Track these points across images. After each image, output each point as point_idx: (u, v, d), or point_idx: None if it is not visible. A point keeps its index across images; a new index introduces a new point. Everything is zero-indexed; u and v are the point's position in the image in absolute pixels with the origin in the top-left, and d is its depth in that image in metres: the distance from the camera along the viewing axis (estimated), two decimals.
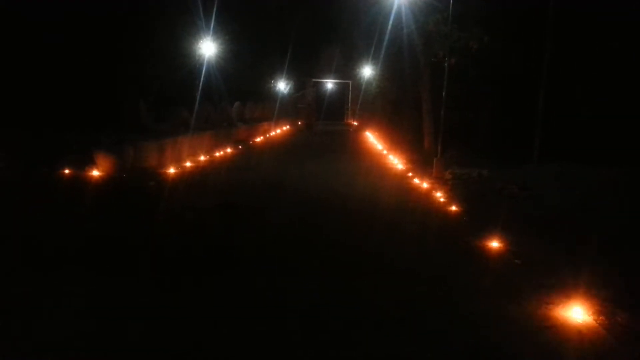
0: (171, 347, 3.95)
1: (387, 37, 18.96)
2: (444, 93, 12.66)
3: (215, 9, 19.27)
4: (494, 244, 6.73)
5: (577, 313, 4.66)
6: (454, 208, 8.94)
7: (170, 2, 18.55)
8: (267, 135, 24.45)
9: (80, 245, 6.34)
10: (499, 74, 14.98)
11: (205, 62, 19.71)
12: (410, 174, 12.78)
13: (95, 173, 10.92)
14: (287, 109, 32.22)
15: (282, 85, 32.60)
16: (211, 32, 19.73)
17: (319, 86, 39.75)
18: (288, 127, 30.71)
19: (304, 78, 36.92)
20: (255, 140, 21.63)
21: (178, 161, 13.33)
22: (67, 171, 10.82)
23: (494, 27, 13.71)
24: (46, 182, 10.13)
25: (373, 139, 23.98)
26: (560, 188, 9.33)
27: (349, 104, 39.33)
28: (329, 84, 39.99)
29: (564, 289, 5.18)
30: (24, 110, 14.03)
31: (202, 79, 19.06)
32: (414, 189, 11.16)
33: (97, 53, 16.06)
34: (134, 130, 13.23)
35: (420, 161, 14.27)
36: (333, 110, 39.30)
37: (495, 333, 4.32)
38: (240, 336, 4.15)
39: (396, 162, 15.26)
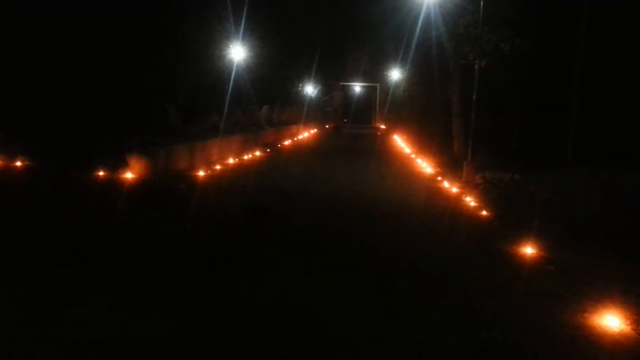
0: (196, 343, 3.99)
1: (415, 39, 18.85)
2: (474, 96, 12.48)
3: (244, 14, 19.48)
4: (527, 250, 6.60)
5: (613, 322, 4.53)
6: (484, 213, 8.80)
7: (200, 8, 18.85)
8: (295, 139, 24.55)
9: (114, 245, 6.47)
10: (530, 76, 14.71)
11: (234, 66, 19.95)
12: (439, 178, 12.65)
13: (128, 175, 11.15)
14: (314, 112, 32.30)
15: (310, 89, 32.71)
16: (240, 37, 19.96)
17: (346, 89, 39.71)
18: (316, 130, 30.78)
19: (331, 81, 36.95)
20: (283, 143, 21.75)
21: (207, 164, 13.50)
22: (101, 173, 11.08)
23: (526, 28, 13.47)
24: (81, 183, 10.39)
25: (401, 143, 23.82)
26: (595, 192, 9.09)
27: (377, 108, 39.14)
28: (357, 87, 39.91)
29: (599, 297, 5.03)
30: (59, 114, 14.45)
31: (231, 83, 19.29)
32: (443, 193, 11.03)
33: (128, 58, 16.42)
34: (164, 134, 13.49)
35: (450, 165, 14.10)
36: (360, 114, 39.18)
37: (528, 342, 4.23)
38: (265, 336, 4.17)
39: (424, 165, 15.12)
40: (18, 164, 12.00)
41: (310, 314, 4.63)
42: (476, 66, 12.62)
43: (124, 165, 11.34)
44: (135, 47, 16.41)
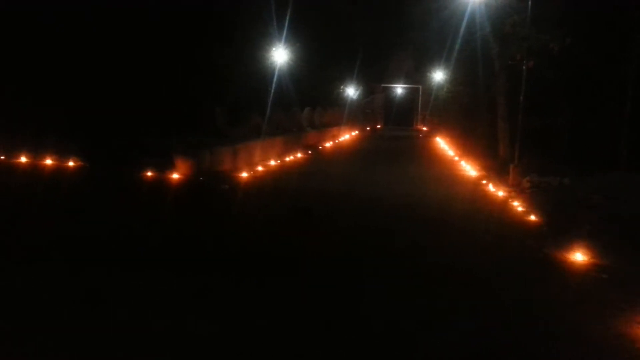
0: (241, 341, 4.05)
1: (459, 40, 18.52)
2: (521, 97, 12.16)
3: (288, 17, 19.65)
4: (578, 257, 6.37)
5: None
6: (532, 218, 8.55)
7: (244, 11, 19.16)
8: (336, 141, 24.57)
9: (160, 244, 6.66)
10: (581, 77, 14.19)
11: (276, 69, 20.15)
12: (484, 182, 12.38)
13: (175, 176, 11.44)
14: (356, 114, 32.20)
15: (351, 91, 32.64)
16: (283, 40, 20.15)
17: (388, 91, 39.40)
18: (357, 132, 30.70)
19: (373, 83, 36.74)
20: (325, 145, 21.80)
21: (250, 165, 13.68)
22: (149, 173, 11.42)
23: (577, 27, 13.01)
24: (130, 183, 10.74)
25: (444, 145, 23.47)
26: None
27: (419, 109, 38.66)
28: (399, 89, 39.52)
29: None
30: (110, 116, 14.96)
31: (273, 86, 19.49)
32: (489, 197, 10.79)
33: (177, 62, 16.86)
34: (209, 135, 13.76)
35: (495, 168, 13.77)
36: (402, 116, 38.75)
37: (579, 353, 4.08)
38: (310, 339, 4.19)
39: (469, 168, 14.84)
40: (71, 164, 12.51)
41: (357, 317, 4.62)
42: (524, 67, 12.29)
43: (171, 165, 11.65)
44: (184, 51, 16.84)
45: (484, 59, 16.61)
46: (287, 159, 16.11)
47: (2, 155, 13.41)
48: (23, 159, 12.98)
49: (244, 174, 12.40)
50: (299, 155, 17.22)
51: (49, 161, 12.70)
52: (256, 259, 6.21)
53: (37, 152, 13.03)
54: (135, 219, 7.97)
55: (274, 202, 9.60)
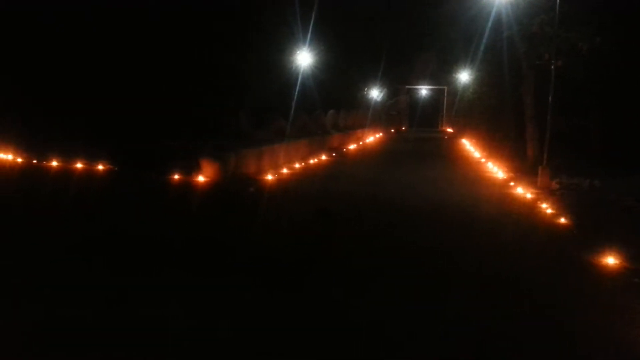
0: (261, 344, 4.07)
1: (485, 40, 18.30)
2: (550, 97, 11.94)
3: (312, 20, 19.73)
4: (609, 260, 6.21)
5: None
6: (562, 220, 8.37)
7: (269, 15, 19.30)
8: (360, 143, 24.53)
9: (187, 246, 6.75)
10: (611, 77, 13.86)
11: (300, 71, 20.25)
12: (512, 183, 12.18)
13: (200, 178, 11.58)
14: (380, 116, 32.11)
15: (375, 93, 32.56)
16: (307, 43, 20.24)
17: (412, 93, 39.17)
18: (381, 134, 30.59)
19: (397, 85, 36.59)
20: (349, 147, 21.78)
21: (275, 168, 13.76)
22: (176, 176, 11.59)
23: (606, 26, 12.72)
24: (158, 186, 10.92)
25: (470, 147, 23.19)
26: None
27: (444, 111, 38.32)
28: (423, 90, 39.27)
29: None
30: (137, 121, 15.24)
31: (297, 88, 19.59)
32: (517, 199, 10.60)
33: (203, 66, 17.09)
34: (234, 138, 13.90)
35: (523, 170, 13.55)
36: (427, 117, 38.50)
37: (612, 359, 3.97)
38: (332, 343, 4.18)
39: (496, 170, 14.62)
40: (100, 167, 12.78)
41: (381, 324, 4.60)
42: (552, 67, 12.07)
43: (197, 168, 11.79)
44: (209, 55, 17.06)
45: (510, 59, 16.38)
46: (312, 161, 16.15)
47: (34, 159, 13.80)
48: (54, 163, 13.32)
49: (269, 177, 12.47)
50: (323, 157, 17.24)
51: (79, 165, 13.00)
52: (280, 262, 6.23)
53: (67, 155, 13.35)
54: (162, 221, 8.10)
55: (299, 205, 9.62)
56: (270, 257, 6.38)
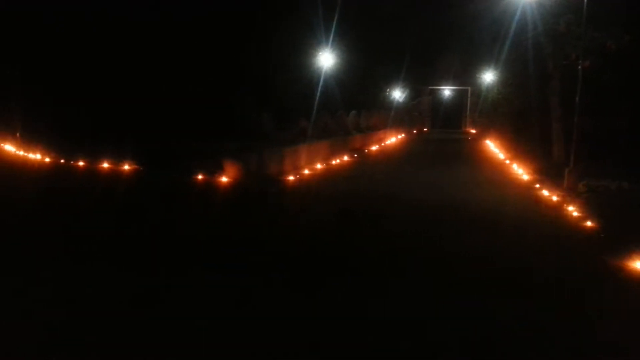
0: (286, 345, 4.08)
1: (510, 40, 18.06)
2: (577, 98, 11.71)
3: (334, 21, 19.75)
4: (638, 265, 6.06)
5: None
6: (589, 224, 8.20)
7: (292, 17, 19.38)
8: (382, 144, 24.43)
9: (210, 245, 6.83)
10: None
11: (322, 72, 20.26)
12: (537, 185, 11.97)
13: (223, 179, 11.68)
14: (402, 117, 31.93)
15: (397, 94, 32.40)
16: (329, 44, 20.25)
17: (435, 93, 38.85)
18: (403, 135, 30.42)
19: (419, 86, 36.33)
20: (371, 148, 21.71)
21: (297, 168, 13.80)
22: (199, 176, 11.72)
23: (636, 25, 12.41)
24: (182, 186, 11.06)
25: (494, 148, 22.90)
26: None
27: (467, 111, 37.91)
28: (446, 91, 38.91)
29: None
30: (161, 121, 15.45)
31: (319, 89, 19.61)
32: (542, 202, 10.42)
33: (223, 67, 17.25)
34: (256, 139, 13.98)
35: (549, 172, 13.30)
36: (450, 118, 38.14)
37: None
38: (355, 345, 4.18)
39: (520, 172, 14.41)
40: (126, 167, 13.00)
41: (407, 327, 4.58)
42: (579, 67, 11.84)
43: (220, 169, 11.90)
44: (232, 56, 17.21)
45: (535, 59, 16.11)
46: (333, 162, 16.14)
47: (62, 159, 14.11)
48: (81, 163, 13.60)
49: (291, 177, 12.51)
50: (345, 158, 17.22)
51: (105, 164, 13.24)
52: (302, 261, 6.25)
53: (94, 155, 13.62)
54: (186, 221, 8.21)
55: (321, 205, 9.64)
56: (292, 257, 6.40)
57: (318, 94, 19.31)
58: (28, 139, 16.07)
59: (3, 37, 18.15)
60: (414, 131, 33.45)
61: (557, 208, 9.71)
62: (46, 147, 14.90)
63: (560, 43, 13.68)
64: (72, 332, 4.22)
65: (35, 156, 14.93)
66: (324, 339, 4.22)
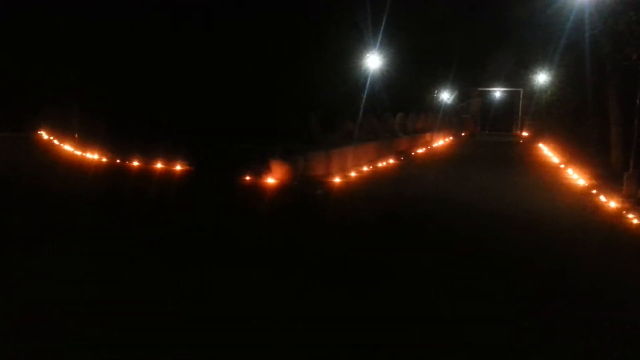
0: (331, 347, 4.08)
1: (565, 40, 17.42)
2: (637, 100, 11.15)
3: (383, 23, 19.64)
4: None
5: None
6: None
7: (339, 19, 19.41)
8: (429, 147, 24.08)
9: (257, 245, 6.93)
10: None
11: (369, 74, 20.18)
12: (594, 191, 11.48)
13: (270, 180, 11.84)
14: (450, 119, 31.38)
15: (446, 95, 31.85)
16: (377, 46, 20.16)
17: (485, 95, 37.92)
18: (451, 138, 29.88)
19: (469, 87, 35.57)
20: (417, 151, 21.44)
21: (343, 171, 13.80)
22: (247, 177, 11.92)
23: None
24: (231, 186, 11.31)
25: (547, 152, 22.13)
26: None
27: (519, 114, 36.77)
28: (497, 92, 37.90)
29: None
30: (211, 124, 15.82)
31: (366, 91, 19.54)
32: (599, 209, 9.98)
33: (271, 70, 17.47)
34: (303, 141, 14.10)
35: (606, 177, 12.72)
36: (501, 120, 37.10)
37: None
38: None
39: (576, 177, 13.86)
40: (178, 167, 13.39)
41: (456, 330, 4.50)
42: None
43: (267, 170, 12.07)
44: (280, 59, 17.41)
45: (593, 59, 15.46)
46: (379, 165, 16.05)
47: (117, 159, 14.70)
48: (136, 163, 14.11)
49: (337, 180, 12.53)
50: (391, 161, 17.09)
51: (158, 165, 13.68)
52: (346, 263, 6.24)
53: (148, 156, 14.11)
54: (235, 220, 8.37)
55: (366, 208, 9.61)
56: (338, 259, 6.40)
57: (365, 95, 19.25)
58: (86, 140, 16.85)
59: (64, 43, 19.10)
60: (463, 134, 32.78)
61: (616, 215, 9.27)
62: (102, 148, 15.56)
63: (620, 43, 13.05)
64: (126, 323, 4.40)
65: (93, 156, 15.62)
66: (367, 341, 4.21)
